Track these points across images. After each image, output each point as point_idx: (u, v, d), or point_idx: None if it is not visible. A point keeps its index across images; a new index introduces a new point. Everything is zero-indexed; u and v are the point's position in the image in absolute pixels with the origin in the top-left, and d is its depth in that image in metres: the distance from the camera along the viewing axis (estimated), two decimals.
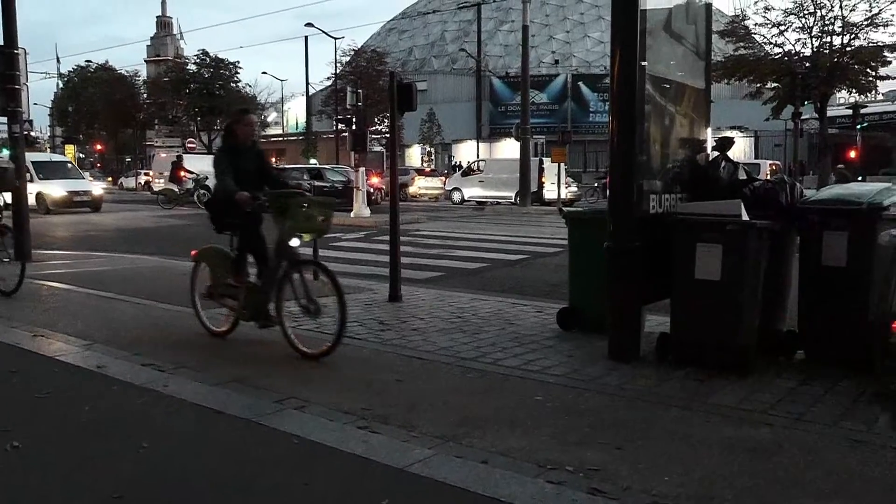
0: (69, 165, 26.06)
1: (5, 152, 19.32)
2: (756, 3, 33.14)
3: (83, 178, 26.15)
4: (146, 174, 37.52)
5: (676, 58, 5.77)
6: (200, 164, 29.35)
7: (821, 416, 3.93)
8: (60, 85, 65.33)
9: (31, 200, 16.30)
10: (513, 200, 27.30)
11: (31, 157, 20.01)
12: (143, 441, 3.52)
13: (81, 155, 70.58)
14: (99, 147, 67.54)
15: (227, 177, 5.42)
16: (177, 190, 26.85)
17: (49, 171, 22.91)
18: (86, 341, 5.54)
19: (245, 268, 5.71)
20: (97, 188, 25.37)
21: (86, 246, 13.39)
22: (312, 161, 39.51)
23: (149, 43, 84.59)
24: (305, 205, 5.33)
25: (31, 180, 17.51)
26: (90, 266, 10.15)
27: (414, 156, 54.31)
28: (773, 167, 30.96)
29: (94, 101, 59.13)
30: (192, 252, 6.14)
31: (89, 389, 4.40)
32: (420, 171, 37.10)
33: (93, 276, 8.98)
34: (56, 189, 22.42)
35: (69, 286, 8.16)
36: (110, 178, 54.73)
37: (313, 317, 5.34)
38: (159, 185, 31.43)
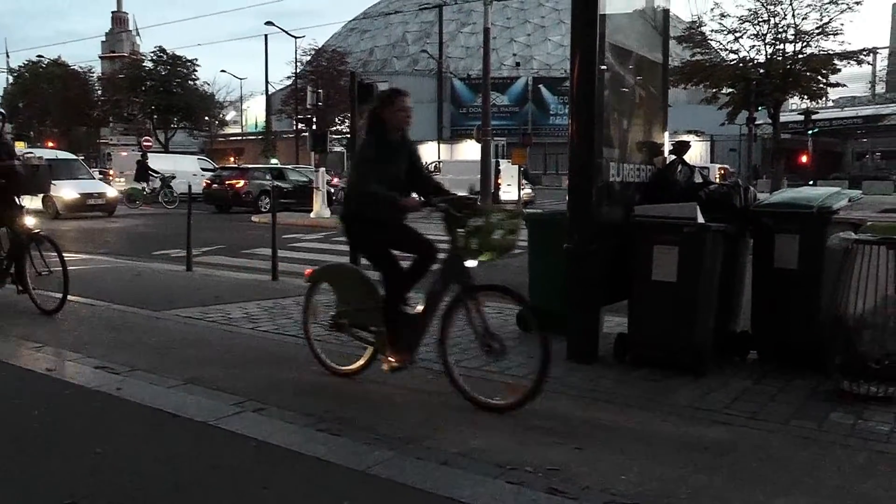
0: (78, 164, 23.23)
1: (35, 151, 17.21)
2: (712, 9, 33.88)
3: (94, 179, 23.74)
4: (106, 173, 36.46)
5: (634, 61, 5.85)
6: (164, 163, 28.95)
7: (774, 414, 4.02)
8: (10, 80, 63.61)
9: (37, 203, 14.13)
10: None
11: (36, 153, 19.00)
12: (96, 446, 3.44)
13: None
14: (51, 145, 65.68)
15: (374, 179, 4.29)
16: (141, 189, 26.37)
17: (57, 170, 21.19)
18: (36, 344, 5.39)
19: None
20: (112, 190, 22.68)
21: None
22: (273, 161, 39.11)
23: (104, 39, 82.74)
24: (492, 217, 4.28)
25: None
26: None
27: None
28: (722, 171, 31.68)
29: (47, 97, 57.66)
30: (307, 271, 5.03)
31: (40, 393, 4.29)
32: None
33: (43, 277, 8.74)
34: (68, 191, 19.94)
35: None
36: None
37: (496, 357, 4.29)
38: (121, 183, 30.68)
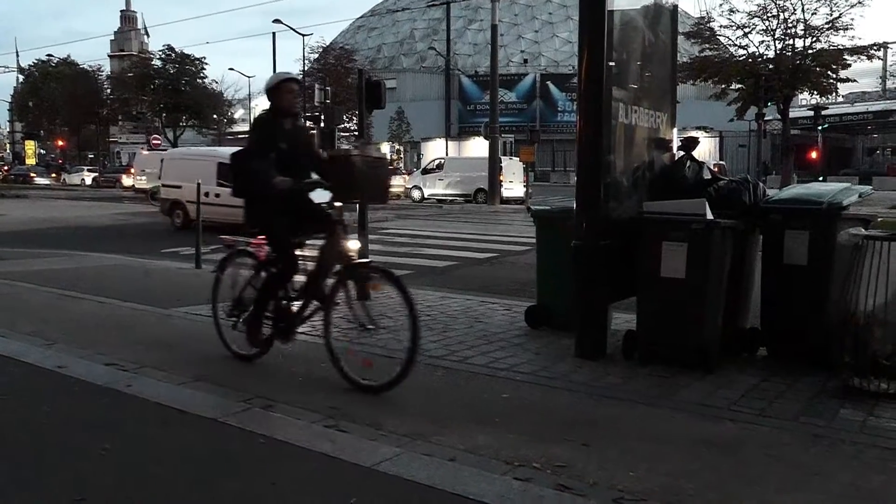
0: None
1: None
2: (721, 5, 33.74)
3: None
4: (129, 173, 36.51)
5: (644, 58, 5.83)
6: None
7: (783, 411, 4.00)
8: (20, 79, 63.96)
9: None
10: (471, 199, 27.64)
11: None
12: (105, 442, 3.46)
13: (42, 151, 69.16)
14: (61, 143, 66.22)
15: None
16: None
17: None
18: (46, 341, 5.42)
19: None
20: None
21: (44, 243, 13.10)
22: None
23: (112, 38, 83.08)
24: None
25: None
26: (50, 264, 9.94)
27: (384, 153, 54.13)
28: (716, 168, 31.57)
29: (56, 96, 57.97)
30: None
31: (50, 390, 4.31)
32: None
33: (53, 275, 8.80)
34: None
35: (30, 284, 7.99)
36: (54, 175, 53.59)
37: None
38: (142, 182, 30.87)
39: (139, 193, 30.53)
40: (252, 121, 4.88)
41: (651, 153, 5.84)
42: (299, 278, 4.85)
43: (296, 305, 4.84)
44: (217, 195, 14.91)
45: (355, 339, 4.84)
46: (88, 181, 48.90)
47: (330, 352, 4.54)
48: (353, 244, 4.76)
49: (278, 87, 4.83)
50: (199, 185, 10.36)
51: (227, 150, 20.04)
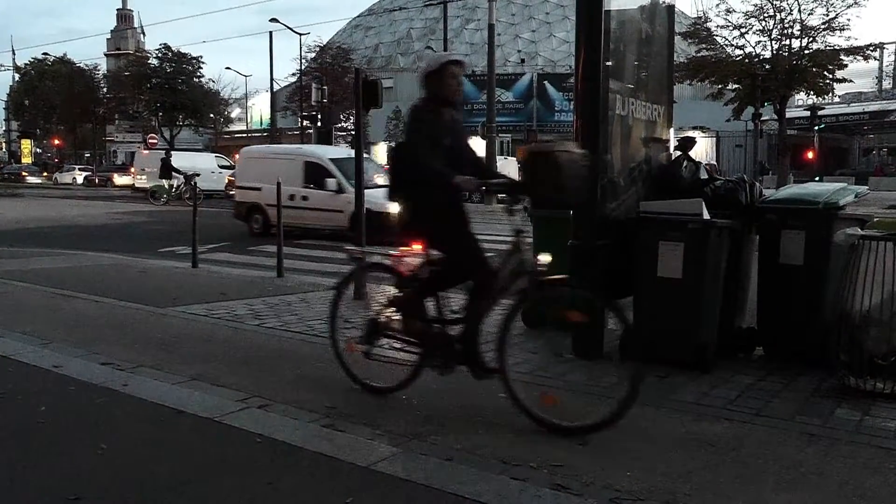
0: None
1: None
2: (718, 5, 33.73)
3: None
4: (128, 171, 36.76)
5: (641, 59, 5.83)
6: (184, 161, 29.15)
7: (779, 411, 4.01)
8: (16, 78, 63.80)
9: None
10: (467, 198, 27.67)
11: (328, 151, 16.28)
12: (101, 442, 3.45)
13: (39, 150, 69.00)
14: (57, 142, 66.07)
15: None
16: (168, 186, 26.54)
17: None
18: (42, 340, 5.41)
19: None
20: None
21: (40, 242, 13.08)
22: None
23: (109, 36, 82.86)
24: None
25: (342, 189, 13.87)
26: (47, 263, 9.92)
27: (380, 153, 54.03)
28: (707, 168, 31.55)
29: (52, 94, 57.83)
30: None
31: (46, 390, 4.30)
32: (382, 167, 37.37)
33: (50, 274, 8.79)
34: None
35: (25, 284, 7.97)
36: (45, 174, 53.87)
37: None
38: (142, 181, 31.11)
39: (137, 192, 30.69)
40: (409, 111, 4.21)
41: (648, 148, 5.84)
42: (452, 295, 4.16)
43: (454, 329, 4.06)
44: (305, 198, 14.29)
45: (538, 370, 4.64)
46: (80, 180, 49.10)
47: (508, 387, 3.79)
48: (542, 257, 3.93)
49: (441, 72, 4.09)
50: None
51: (315, 148, 17.73)
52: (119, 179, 44.04)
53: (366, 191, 10.88)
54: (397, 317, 4.23)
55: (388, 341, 4.37)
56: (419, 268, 4.15)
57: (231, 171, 28.42)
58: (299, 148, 18.65)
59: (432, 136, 4.01)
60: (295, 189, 14.13)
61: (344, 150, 17.35)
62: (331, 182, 14.21)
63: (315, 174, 14.59)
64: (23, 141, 63.10)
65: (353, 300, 4.67)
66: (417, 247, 4.14)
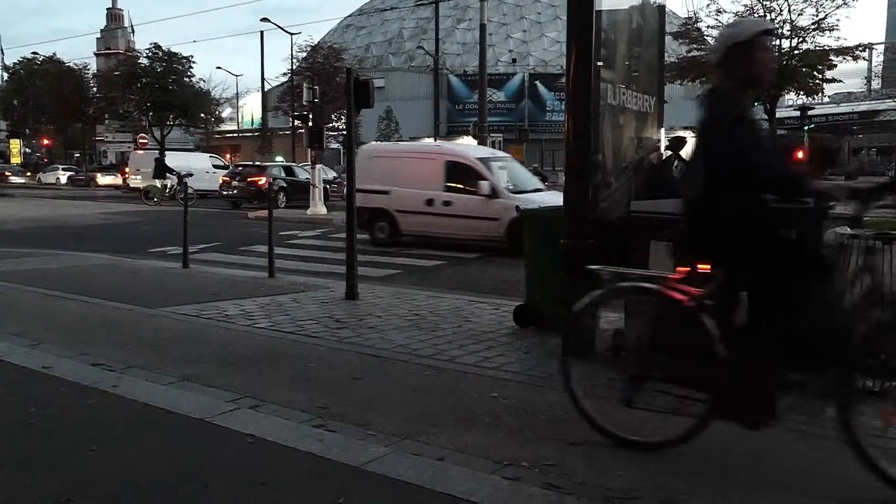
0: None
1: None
2: (708, 5, 33.80)
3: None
4: (123, 171, 36.95)
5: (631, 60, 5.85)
6: (178, 161, 29.12)
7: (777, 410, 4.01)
8: (5, 77, 63.40)
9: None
10: None
11: (474, 149, 14.75)
12: (91, 443, 3.44)
13: (28, 150, 68.58)
14: (46, 142, 65.67)
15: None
16: (161, 186, 26.45)
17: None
18: (32, 341, 5.38)
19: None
20: None
21: (31, 243, 13.00)
22: (279, 158, 39.17)
23: (99, 36, 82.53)
24: None
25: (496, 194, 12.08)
26: (36, 264, 9.87)
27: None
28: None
29: (42, 94, 57.45)
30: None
31: (36, 391, 4.28)
32: None
33: (40, 275, 8.74)
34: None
35: (15, 284, 7.93)
36: (29, 174, 53.85)
37: None
38: (136, 181, 31.22)
39: (128, 192, 30.72)
40: (709, 92, 3.48)
41: (640, 147, 5.85)
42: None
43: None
44: (447, 203, 12.18)
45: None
46: (63, 180, 49.26)
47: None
48: None
49: (751, 44, 3.26)
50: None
51: (459, 146, 16.26)
52: (102, 179, 44.58)
53: (523, 195, 10.07)
54: (672, 355, 3.39)
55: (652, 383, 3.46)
56: (706, 294, 3.28)
57: (225, 172, 28.35)
58: (438, 146, 16.79)
59: (756, 130, 3.33)
60: (433, 193, 12.45)
61: (488, 150, 15.05)
62: (483, 185, 12.05)
63: (459, 176, 12.68)
64: (11, 141, 62.65)
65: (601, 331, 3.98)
66: (704, 267, 3.33)
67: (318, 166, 20.84)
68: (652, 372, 3.41)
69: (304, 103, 24.63)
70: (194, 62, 50.92)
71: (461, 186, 12.55)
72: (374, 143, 17.38)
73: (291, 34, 45.18)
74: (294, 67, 45.97)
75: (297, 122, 34.12)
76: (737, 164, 3.12)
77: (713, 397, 3.25)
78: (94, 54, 77.85)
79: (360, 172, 15.42)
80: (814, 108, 40.28)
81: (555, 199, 9.57)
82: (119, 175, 41.85)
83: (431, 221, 12.02)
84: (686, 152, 5.87)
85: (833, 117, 50.52)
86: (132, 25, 78.37)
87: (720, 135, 3.22)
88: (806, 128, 37.78)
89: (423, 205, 10.45)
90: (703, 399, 3.28)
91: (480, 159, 13.04)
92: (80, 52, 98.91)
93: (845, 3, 31.24)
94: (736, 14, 32.75)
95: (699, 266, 3.31)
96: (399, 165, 13.44)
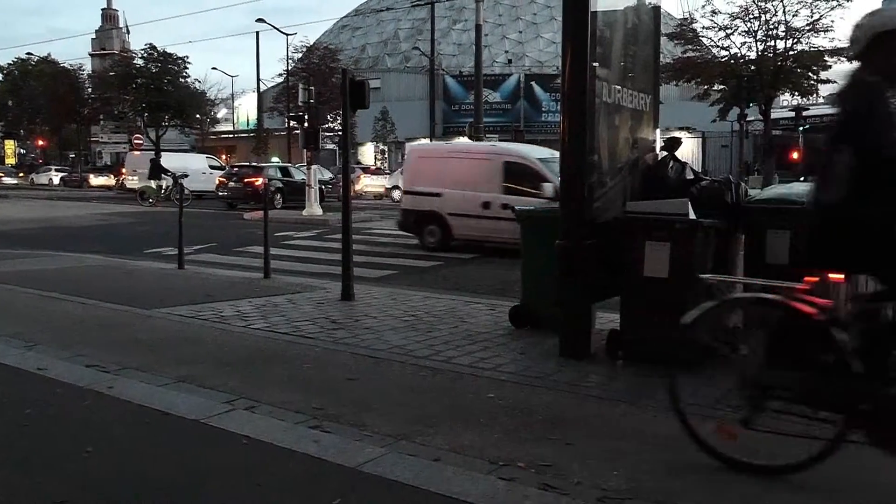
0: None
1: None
2: (703, 6, 33.89)
3: None
4: (120, 172, 37.15)
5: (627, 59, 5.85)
6: (174, 162, 29.11)
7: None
8: (0, 78, 63.16)
9: None
10: None
11: (532, 149, 13.38)
12: (87, 445, 3.43)
13: (22, 151, 68.42)
14: (41, 143, 65.51)
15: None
16: (157, 187, 26.42)
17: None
18: (27, 342, 5.36)
19: None
20: None
21: (25, 244, 12.97)
22: (275, 159, 39.19)
23: (94, 36, 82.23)
24: None
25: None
26: (32, 265, 9.84)
27: (367, 154, 54.05)
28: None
29: (36, 95, 57.29)
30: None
31: (31, 392, 4.27)
32: (365, 170, 37.63)
33: (35, 276, 8.71)
34: None
35: (10, 286, 7.90)
36: (21, 175, 53.85)
37: None
38: (133, 182, 31.32)
39: (123, 192, 30.75)
40: (849, 87, 3.24)
41: (636, 147, 5.85)
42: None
43: None
44: (504, 205, 10.93)
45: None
46: (56, 181, 49.30)
47: None
48: None
49: None
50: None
51: (516, 146, 14.59)
52: (94, 180, 44.77)
53: None
54: (796, 371, 3.12)
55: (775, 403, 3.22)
56: (844, 307, 3.08)
57: (222, 172, 28.36)
58: (494, 146, 15.40)
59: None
60: (491, 195, 11.62)
61: (547, 150, 13.79)
62: (547, 187, 10.83)
63: (518, 178, 11.82)
64: (6, 142, 62.55)
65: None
66: (836, 277, 3.12)
67: (313, 167, 20.84)
68: (773, 391, 3.19)
69: (300, 104, 24.63)
70: (190, 63, 50.87)
71: (521, 189, 11.69)
72: (422, 141, 16.64)
73: (287, 35, 45.17)
74: (290, 68, 45.93)
75: (292, 123, 34.10)
76: (891, 166, 2.95)
77: (845, 418, 3.01)
78: (90, 55, 77.63)
79: (407, 174, 14.45)
80: (809, 109, 40.35)
81: None
82: (112, 176, 41.90)
83: (488, 226, 11.20)
84: (681, 153, 5.87)
85: (828, 118, 50.55)
86: (127, 26, 78.11)
87: (869, 135, 3.00)
88: (801, 128, 37.86)
89: (479, 208, 9.81)
90: (832, 420, 3.06)
91: (541, 160, 12.17)
92: (75, 52, 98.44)
93: (840, 5, 31.34)
94: (731, 15, 32.86)
95: (830, 276, 3.10)
96: (451, 166, 12.67)
